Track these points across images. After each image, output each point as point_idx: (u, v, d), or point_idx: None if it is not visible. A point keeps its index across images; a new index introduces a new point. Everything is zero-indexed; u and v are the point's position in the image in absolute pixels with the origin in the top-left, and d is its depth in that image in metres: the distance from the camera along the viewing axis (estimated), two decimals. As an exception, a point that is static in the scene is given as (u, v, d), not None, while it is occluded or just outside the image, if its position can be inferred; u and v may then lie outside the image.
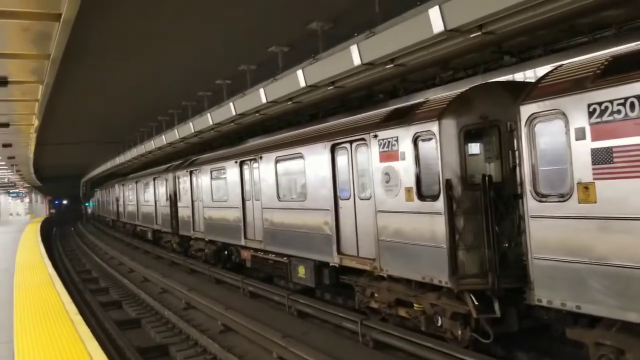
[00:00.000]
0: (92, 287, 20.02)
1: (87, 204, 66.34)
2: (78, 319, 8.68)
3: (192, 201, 19.75)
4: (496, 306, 7.84)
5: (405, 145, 8.93)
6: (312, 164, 11.74)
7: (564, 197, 6.40)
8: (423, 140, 8.67)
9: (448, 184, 8.11)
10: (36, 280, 12.53)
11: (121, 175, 40.57)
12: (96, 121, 23.96)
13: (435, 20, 7.70)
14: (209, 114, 17.39)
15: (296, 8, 10.19)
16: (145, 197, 27.61)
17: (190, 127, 19.43)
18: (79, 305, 13.23)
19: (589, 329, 6.51)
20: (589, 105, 6.07)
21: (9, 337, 7.67)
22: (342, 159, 10.85)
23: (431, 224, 8.41)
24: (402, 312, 9.56)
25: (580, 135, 6.16)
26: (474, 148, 8.56)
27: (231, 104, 15.32)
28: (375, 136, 9.61)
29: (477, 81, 10.67)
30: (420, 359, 8.58)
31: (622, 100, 5.76)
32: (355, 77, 10.46)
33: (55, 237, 42.95)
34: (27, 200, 62.48)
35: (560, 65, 7.15)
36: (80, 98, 18.05)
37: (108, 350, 10.74)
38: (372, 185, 9.73)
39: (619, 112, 5.78)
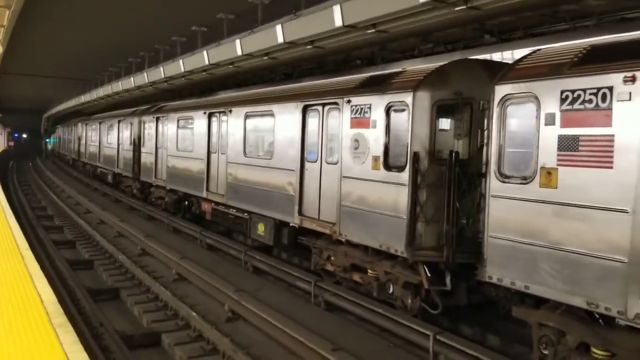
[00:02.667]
0: (46, 224, 19.63)
1: (47, 140, 64.60)
2: (28, 254, 8.52)
3: (157, 148, 19.41)
4: (448, 279, 8.02)
5: (378, 114, 8.89)
6: (282, 123, 11.62)
7: (526, 180, 6.49)
8: (396, 110, 8.64)
9: (415, 157, 8.14)
10: (-13, 212, 12.20)
11: (85, 114, 39.49)
12: (64, 55, 23.15)
13: (422, -11, 7.60)
14: (181, 61, 16.99)
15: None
16: (109, 139, 27.00)
17: (161, 72, 18.97)
18: (31, 241, 12.99)
19: (534, 309, 6.71)
20: (562, 92, 6.12)
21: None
22: (312, 121, 10.76)
23: (394, 194, 8.46)
24: (356, 277, 9.69)
25: (550, 120, 6.23)
26: (445, 123, 8.58)
27: (205, 52, 14.97)
28: (349, 101, 9.54)
29: (456, 57, 10.67)
30: (369, 323, 8.75)
31: (594, 90, 5.82)
32: (335, 39, 10.32)
33: (12, 171, 41.81)
34: (-16, 130, 60.47)
35: (539, 50, 7.17)
36: (49, 29, 17.34)
37: (57, 289, 10.62)
38: (340, 151, 9.70)
39: (590, 101, 5.84)
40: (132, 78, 22.83)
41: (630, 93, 5.51)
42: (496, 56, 10.54)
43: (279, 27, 11.10)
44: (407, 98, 8.32)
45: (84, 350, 4.90)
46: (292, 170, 11.11)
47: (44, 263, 13.34)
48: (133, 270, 12.68)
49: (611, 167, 5.64)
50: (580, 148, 5.93)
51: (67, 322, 5.59)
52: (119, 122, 24.82)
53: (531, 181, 6.42)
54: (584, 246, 5.84)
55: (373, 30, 9.27)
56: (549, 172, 6.22)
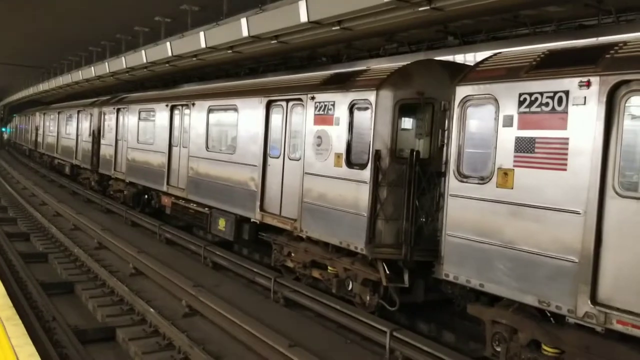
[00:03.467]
0: (-2, 215, 19.03)
1: (3, 130, 62.64)
2: (-22, 246, 8.22)
3: (116, 140, 19.01)
4: (406, 277, 8.11)
5: (341, 111, 8.91)
6: (246, 118, 11.53)
7: (483, 180, 6.61)
8: (359, 108, 8.67)
9: (377, 155, 8.19)
10: None
11: (44, 103, 38.43)
12: (21, 42, 22.42)
13: (387, -12, 7.65)
14: (143, 51, 16.68)
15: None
16: (67, 129, 26.31)
17: (123, 62, 18.57)
18: (-19, 232, 12.57)
19: (488, 307, 6.85)
20: (520, 95, 6.25)
21: None
22: (276, 117, 10.71)
23: (356, 191, 8.50)
24: (315, 273, 9.71)
25: (508, 122, 6.35)
26: (407, 123, 8.67)
27: (168, 43, 14.75)
28: (313, 98, 9.53)
29: (420, 57, 10.78)
30: (328, 320, 8.78)
31: (551, 94, 5.96)
32: (300, 35, 10.30)
33: (-36, 160, 40.38)
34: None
35: (499, 53, 7.31)
36: (7, 15, 16.75)
37: (7, 281, 10.30)
38: (303, 147, 9.69)
39: (547, 104, 5.98)
40: (92, 67, 22.30)
41: (585, 97, 5.67)
42: (459, 58, 10.69)
43: (244, 21, 11.00)
44: (371, 96, 8.36)
45: (32, 344, 4.75)
46: (255, 165, 11.04)
47: (-6, 255, 12.95)
48: (89, 264, 12.39)
49: (565, 169, 5.79)
50: (536, 150, 6.07)
51: (15, 315, 5.42)
52: (78, 112, 24.22)
53: (488, 181, 6.54)
54: (537, 246, 5.98)
55: (338, 28, 9.28)
56: (505, 173, 6.34)
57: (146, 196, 17.16)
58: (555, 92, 5.92)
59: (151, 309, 9.12)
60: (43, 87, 32.12)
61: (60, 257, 13.58)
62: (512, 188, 6.26)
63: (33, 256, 13.69)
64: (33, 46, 23.51)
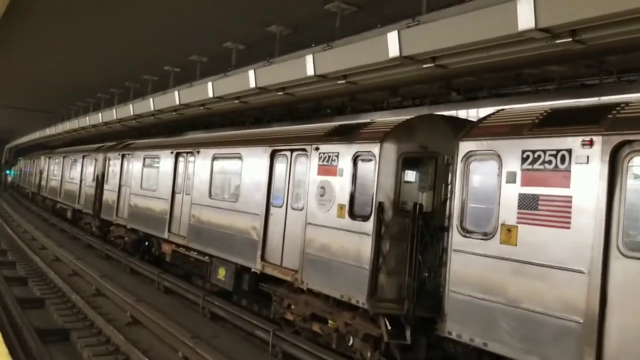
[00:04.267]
0: (-3, 259, 18.90)
1: (8, 172, 62.95)
2: (-25, 290, 8.12)
3: (120, 185, 19.06)
4: (408, 333, 7.93)
5: (345, 162, 8.96)
6: (250, 167, 11.58)
7: (487, 236, 6.58)
8: (363, 160, 8.72)
9: (380, 207, 8.18)
10: None
11: (49, 147, 38.76)
12: (30, 87, 22.84)
13: (393, 45, 7.83)
14: (151, 99, 16.92)
15: (258, 9, 10.10)
16: (71, 174, 26.43)
17: (130, 109, 18.82)
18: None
19: (492, 366, 6.69)
20: (523, 152, 6.29)
21: None
22: (280, 166, 10.76)
23: (358, 243, 8.44)
24: (315, 327, 9.52)
25: (511, 178, 6.37)
26: (410, 176, 8.71)
27: (176, 92, 14.98)
28: (317, 149, 9.60)
29: (423, 111, 10.94)
30: (327, 376, 8.56)
31: (554, 152, 6.00)
32: (307, 87, 10.46)
33: (-34, 201, 40.43)
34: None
35: (503, 109, 7.41)
36: (16, 60, 17.14)
37: (3, 327, 10.14)
38: (306, 197, 9.69)
39: (550, 162, 6.01)
40: (99, 114, 22.60)
41: (587, 156, 5.70)
42: (462, 113, 10.84)
43: (251, 72, 11.21)
44: (374, 149, 8.42)
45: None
46: (257, 214, 11.01)
47: (-9, 300, 12.79)
48: (86, 311, 12.22)
49: (569, 228, 5.77)
50: (539, 207, 6.06)
51: (9, 364, 5.31)
52: (83, 157, 24.39)
53: (492, 237, 6.50)
54: (541, 305, 5.89)
55: (343, 81, 9.44)
56: (509, 230, 6.31)
57: (147, 243, 17.05)
58: (558, 150, 5.97)
59: (147, 360, 8.94)
60: (49, 131, 32.48)
61: (57, 302, 13.43)
62: (516, 245, 6.21)
63: (30, 301, 13.53)
64: (41, 91, 23.94)
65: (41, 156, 36.40)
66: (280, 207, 10.53)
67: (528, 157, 6.24)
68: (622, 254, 5.38)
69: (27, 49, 15.74)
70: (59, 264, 17.71)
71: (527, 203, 6.17)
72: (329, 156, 9.31)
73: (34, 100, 27.02)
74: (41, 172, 35.57)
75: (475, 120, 8.34)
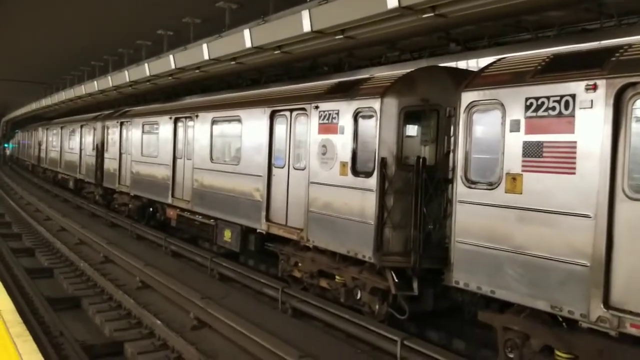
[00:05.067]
0: (3, 231, 18.99)
1: (6, 145, 62.76)
2: (-15, 262, 8.20)
3: (120, 153, 19.05)
4: (415, 285, 8.05)
5: (346, 120, 8.91)
6: (250, 129, 11.54)
7: (492, 186, 6.59)
8: (363, 116, 8.67)
9: (383, 162, 8.18)
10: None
11: (46, 118, 38.52)
12: (25, 58, 22.51)
13: (391, -5, 7.66)
14: (146, 64, 16.71)
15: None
16: (70, 144, 26.37)
17: (126, 76, 18.61)
18: (-13, 248, 12.56)
19: (499, 313, 6.80)
20: (527, 99, 6.24)
21: None
22: (280, 127, 10.71)
23: (362, 200, 8.48)
24: (323, 283, 9.66)
25: (515, 127, 6.34)
26: (412, 130, 8.67)
27: (171, 56, 14.77)
28: (317, 107, 9.53)
29: (422, 64, 10.78)
30: (336, 329, 8.72)
31: (557, 98, 5.95)
32: (304, 44, 10.30)
33: (-33, 177, 40.44)
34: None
35: (504, 58, 7.31)
36: (7, 30, 16.84)
37: (15, 297, 10.26)
38: (307, 156, 9.68)
39: (553, 108, 5.97)
40: (95, 82, 22.34)
41: (591, 101, 5.66)
42: (461, 64, 10.69)
43: (246, 32, 11.02)
44: (375, 104, 8.36)
45: (44, 360, 4.73)
46: (260, 176, 11.03)
47: (0, 271, 12.92)
48: (95, 278, 12.37)
49: (574, 173, 5.77)
50: (544, 154, 6.05)
51: (25, 332, 5.38)
52: (81, 126, 24.28)
53: (497, 187, 6.51)
54: (548, 251, 5.95)
55: (341, 36, 9.28)
56: (514, 178, 6.32)
57: (151, 209, 17.15)
58: (562, 96, 5.91)
59: (159, 322, 9.09)
60: (45, 102, 32.20)
61: (66, 271, 13.56)
62: (521, 193, 6.23)
63: (39, 271, 13.66)
64: (35, 62, 23.61)
65: (39, 128, 36.24)
66: (282, 167, 10.53)
67: (531, 104, 6.19)
68: (627, 196, 5.40)
69: (21, 21, 15.47)
70: (65, 233, 17.84)
71: (532, 151, 6.16)
72: (329, 114, 9.26)
73: (27, 72, 26.70)
74: (40, 144, 35.47)
75: (475, 70, 8.26)
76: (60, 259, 14.98)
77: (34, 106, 36.56)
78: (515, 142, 6.34)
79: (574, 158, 5.77)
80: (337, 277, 9.29)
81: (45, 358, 4.88)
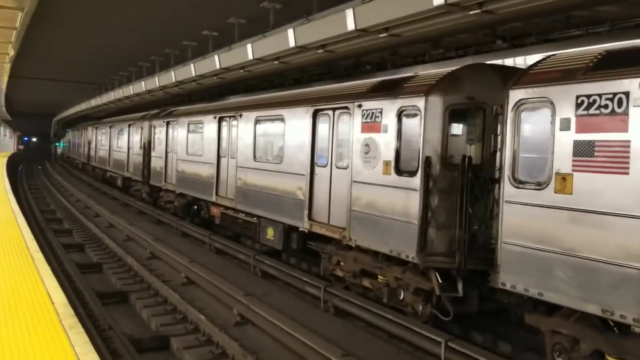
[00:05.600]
0: (55, 227, 19.69)
1: (57, 144, 64.86)
2: (39, 256, 8.52)
3: (166, 152, 19.45)
4: (459, 286, 7.94)
5: (389, 119, 8.86)
6: (292, 128, 11.60)
7: (541, 186, 6.44)
8: (407, 115, 8.60)
9: (427, 162, 8.09)
10: (-2, 214, 12.24)
11: (95, 118, 39.68)
12: (75, 59, 23.26)
13: (437, -7, 7.56)
14: (192, 65, 17.00)
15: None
16: (119, 143, 27.10)
17: (172, 76, 18.99)
18: (40, 243, 13.00)
19: (547, 316, 6.64)
20: (578, 97, 6.07)
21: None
22: (323, 126, 10.73)
23: (405, 199, 8.41)
24: (365, 282, 9.63)
25: (565, 125, 6.17)
26: (457, 128, 8.54)
27: (216, 56, 14.98)
28: (360, 106, 9.51)
29: (467, 62, 10.63)
30: (379, 329, 8.68)
31: (610, 96, 5.76)
32: (347, 43, 10.27)
33: (22, 174, 42.03)
34: (-6, 133, 60.82)
35: (553, 55, 7.12)
36: (62, 32, 17.45)
37: (67, 291, 10.62)
38: (350, 155, 9.67)
39: (606, 106, 5.79)
40: (142, 82, 22.89)
41: (647, 98, 5.45)
42: (508, 61, 10.49)
43: (290, 31, 11.07)
44: (420, 103, 8.28)
45: (95, 351, 4.87)
46: (302, 174, 11.08)
47: (53, 266, 13.38)
48: (142, 274, 12.67)
49: (627, 173, 5.58)
50: (595, 154, 5.87)
51: (77, 324, 5.57)
52: (129, 126, 24.92)
53: (546, 187, 6.36)
54: (600, 253, 5.77)
55: (385, 35, 9.22)
56: (564, 178, 6.16)
57: (196, 207, 17.46)
58: (615, 94, 5.73)
59: (203, 317, 9.24)
60: (95, 102, 33.16)
61: (114, 267, 13.96)
62: (572, 193, 6.06)
63: (88, 266, 14.12)
64: (85, 63, 24.37)
65: (88, 127, 37.36)
66: (325, 166, 10.55)
67: (582, 102, 6.02)
68: (685, 198, 5.19)
69: (74, 23, 16.00)
70: (113, 230, 18.35)
71: (583, 150, 5.98)
72: (372, 113, 9.22)
73: (79, 73, 27.60)
74: (89, 143, 36.56)
75: (523, 68, 8.08)
76: (108, 254, 15.42)
77: (83, 106, 37.72)
78: (565, 141, 6.17)
79: (628, 158, 5.58)
80: (379, 276, 9.24)
81: (96, 350, 5.03)
